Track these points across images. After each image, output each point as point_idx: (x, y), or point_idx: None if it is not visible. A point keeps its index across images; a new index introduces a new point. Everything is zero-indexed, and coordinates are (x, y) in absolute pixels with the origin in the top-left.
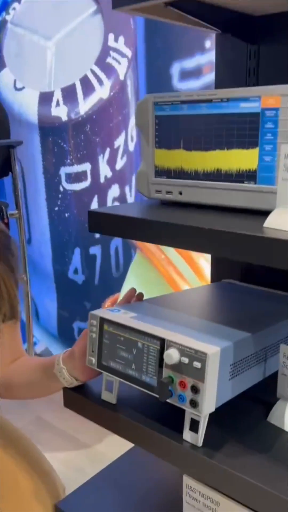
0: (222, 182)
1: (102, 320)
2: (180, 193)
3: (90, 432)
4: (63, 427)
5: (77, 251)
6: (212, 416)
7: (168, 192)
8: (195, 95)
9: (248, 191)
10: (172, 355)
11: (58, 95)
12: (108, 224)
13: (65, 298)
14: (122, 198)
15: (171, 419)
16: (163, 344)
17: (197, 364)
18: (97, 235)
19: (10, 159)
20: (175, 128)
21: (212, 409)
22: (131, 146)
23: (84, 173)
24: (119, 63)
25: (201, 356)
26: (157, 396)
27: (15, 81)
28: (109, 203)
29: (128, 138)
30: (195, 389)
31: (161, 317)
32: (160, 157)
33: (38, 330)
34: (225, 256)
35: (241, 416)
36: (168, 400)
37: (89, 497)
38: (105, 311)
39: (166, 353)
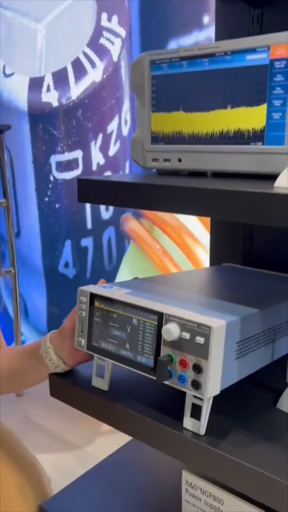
0: (226, 145)
1: (93, 296)
2: (179, 160)
3: (80, 433)
4: (51, 427)
5: (68, 243)
6: (215, 402)
7: (165, 160)
8: (196, 49)
9: (255, 154)
10: (171, 330)
11: (49, 80)
12: (98, 192)
13: (55, 294)
14: None
15: (169, 406)
16: (161, 319)
17: (200, 340)
18: (89, 226)
19: None
20: (173, 88)
21: (217, 392)
22: (125, 131)
23: (75, 160)
24: (113, 43)
25: (204, 330)
26: (154, 378)
27: (4, 67)
28: None
29: (121, 122)
30: (197, 368)
31: (158, 293)
32: (157, 122)
33: (27, 328)
34: (231, 219)
35: (248, 403)
36: (166, 382)
37: (76, 497)
38: (96, 287)
39: (164, 328)
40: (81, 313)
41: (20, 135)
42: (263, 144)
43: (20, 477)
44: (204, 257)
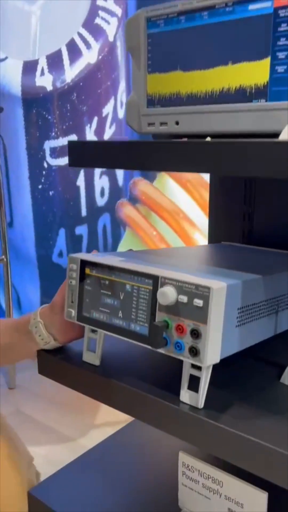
0: (226, 104)
1: (84, 263)
2: (177, 123)
3: (74, 425)
4: (44, 420)
5: (62, 232)
6: (215, 377)
7: (162, 124)
8: (195, 1)
9: (258, 111)
10: (167, 293)
11: (43, 63)
12: (91, 155)
13: (49, 285)
14: (110, 171)
15: (165, 380)
16: (156, 283)
17: (198, 302)
18: (84, 213)
19: None
20: (170, 46)
21: (216, 360)
22: (121, 113)
23: None
24: (108, 23)
25: (203, 292)
26: (148, 346)
27: None
28: (97, 177)
29: (117, 104)
30: (195, 334)
31: (154, 261)
32: (153, 83)
33: None
34: (234, 173)
35: (251, 378)
36: (162, 351)
37: (65, 483)
38: (87, 254)
39: (160, 291)
40: (71, 282)
41: (14, 121)
42: (266, 101)
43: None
44: (202, 243)
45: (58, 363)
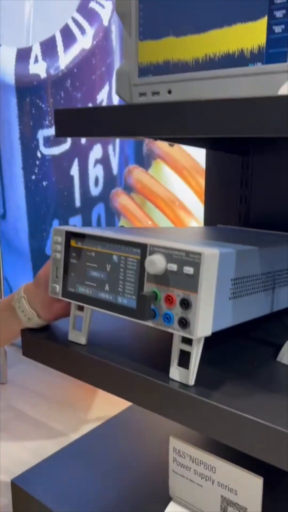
0: (221, 69)
1: (69, 235)
2: (169, 92)
3: (65, 421)
4: (36, 415)
5: (56, 223)
6: (209, 356)
7: (154, 94)
8: None
9: (254, 75)
10: (155, 261)
11: (36, 50)
12: (78, 122)
13: None
14: (105, 160)
15: (154, 359)
16: (144, 252)
17: (188, 270)
18: (78, 204)
19: None
20: (163, 10)
21: (208, 332)
22: (115, 99)
23: None
24: (103, 7)
25: (194, 259)
26: (136, 320)
27: None
28: (91, 166)
29: (112, 90)
30: (185, 304)
31: (142, 232)
32: (145, 51)
33: None
34: (229, 133)
35: (246, 357)
36: (150, 324)
37: (49, 473)
38: (73, 226)
39: (148, 259)
40: (55, 256)
41: (8, 111)
42: (263, 63)
43: None
44: None
45: (42, 342)
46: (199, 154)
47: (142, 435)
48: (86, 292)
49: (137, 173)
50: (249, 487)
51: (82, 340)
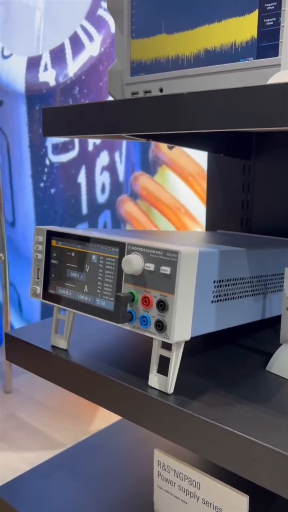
0: (212, 65)
1: (50, 234)
2: (161, 90)
3: (67, 432)
4: (38, 425)
5: None
6: (195, 364)
7: (146, 92)
8: None
9: (246, 70)
10: (131, 260)
11: (46, 59)
12: (65, 121)
13: None
14: (111, 166)
15: (136, 365)
16: (123, 251)
17: (165, 269)
18: (84, 211)
19: None
20: (155, 7)
21: (187, 336)
22: None
23: (71, 142)
24: None
25: (171, 258)
26: (113, 323)
27: (2, 48)
28: (98, 173)
29: None
30: (162, 305)
31: (127, 233)
32: (137, 49)
33: (20, 322)
34: (219, 127)
35: (234, 366)
36: (127, 327)
37: (33, 484)
38: (54, 226)
39: (124, 258)
40: (36, 256)
41: (18, 119)
42: (254, 58)
43: None
44: None
45: (24, 347)
46: (205, 160)
47: (132, 447)
48: (66, 294)
49: (143, 180)
50: (235, 506)
51: (64, 345)
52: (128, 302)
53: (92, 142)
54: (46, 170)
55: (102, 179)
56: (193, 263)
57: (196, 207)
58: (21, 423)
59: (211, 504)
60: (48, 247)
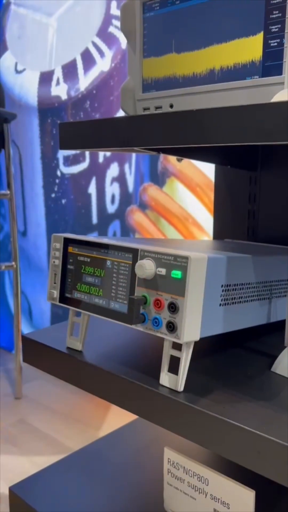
0: (220, 83)
1: (67, 241)
2: (171, 106)
3: (77, 437)
4: (48, 431)
5: None
6: (203, 365)
7: (157, 108)
8: None
9: (252, 88)
10: (144, 265)
11: (58, 73)
12: (81, 135)
13: None
14: (121, 178)
15: (149, 364)
16: (136, 257)
17: (176, 274)
18: (94, 221)
19: (3, 135)
20: (165, 29)
21: (196, 337)
22: None
23: (82, 154)
24: None
25: (181, 263)
26: (127, 324)
27: (16, 64)
28: (108, 184)
29: None
30: (173, 307)
31: (139, 240)
32: (148, 68)
33: (31, 330)
34: (226, 141)
35: (240, 367)
36: (140, 328)
37: (48, 482)
38: (71, 234)
39: (138, 263)
40: (54, 262)
41: (30, 132)
42: (260, 77)
43: None
44: None
45: (41, 349)
46: (212, 171)
47: (143, 447)
48: (82, 298)
49: (151, 191)
50: (241, 500)
51: (78, 346)
52: (141, 304)
53: (103, 154)
54: (57, 181)
55: (112, 190)
56: (202, 268)
57: (203, 217)
58: (31, 428)
59: (219, 499)
60: (65, 254)
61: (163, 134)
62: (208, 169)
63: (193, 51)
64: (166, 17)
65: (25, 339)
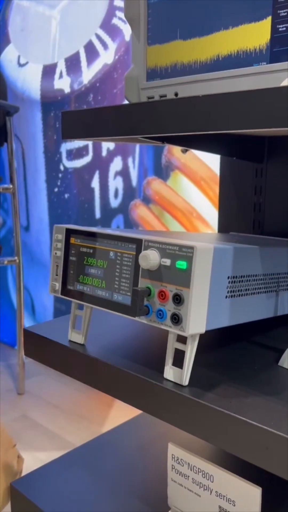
0: (226, 70)
1: (69, 232)
2: (176, 95)
3: (79, 433)
4: (50, 426)
5: None
6: (209, 359)
7: (162, 97)
8: None
9: (259, 74)
10: (148, 256)
11: (61, 66)
12: (84, 124)
13: None
14: (124, 171)
15: (153, 358)
16: (140, 247)
17: (181, 264)
18: (98, 215)
19: (6, 128)
20: (170, 14)
21: (201, 330)
22: None
23: (85, 147)
24: (125, 22)
25: (187, 253)
26: (130, 317)
27: (19, 57)
28: (111, 178)
29: None
30: (178, 299)
31: (143, 231)
32: (153, 56)
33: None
34: (237, 128)
35: (246, 360)
36: (144, 321)
37: (49, 478)
38: (73, 225)
39: (142, 253)
40: (55, 253)
41: (33, 125)
42: (267, 63)
43: None
44: None
45: (43, 342)
46: (217, 165)
47: (146, 443)
48: (84, 290)
49: (155, 185)
50: (247, 498)
51: (81, 340)
52: (145, 296)
53: (106, 147)
54: (60, 175)
55: (115, 184)
56: (208, 258)
57: (208, 211)
58: (33, 424)
59: (224, 496)
60: (67, 245)
61: (168, 122)
62: (213, 162)
63: (199, 38)
64: (171, 2)
65: (27, 332)
